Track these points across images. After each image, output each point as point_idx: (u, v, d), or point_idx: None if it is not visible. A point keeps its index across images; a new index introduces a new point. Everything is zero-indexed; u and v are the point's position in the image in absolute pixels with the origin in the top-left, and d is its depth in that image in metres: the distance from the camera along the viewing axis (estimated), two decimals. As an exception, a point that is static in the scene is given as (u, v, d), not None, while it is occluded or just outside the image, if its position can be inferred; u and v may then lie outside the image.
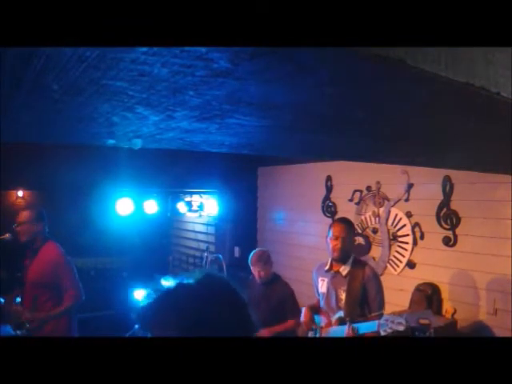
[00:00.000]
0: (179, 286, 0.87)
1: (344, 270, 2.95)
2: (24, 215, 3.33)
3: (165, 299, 0.85)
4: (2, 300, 3.43)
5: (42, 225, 3.34)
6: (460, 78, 0.66)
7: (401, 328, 2.46)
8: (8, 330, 3.19)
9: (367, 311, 2.87)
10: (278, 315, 3.55)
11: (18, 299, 3.40)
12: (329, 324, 2.98)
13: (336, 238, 2.94)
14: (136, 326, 0.86)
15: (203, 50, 0.53)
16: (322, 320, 3.07)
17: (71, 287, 3.29)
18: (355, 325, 2.69)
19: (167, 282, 0.88)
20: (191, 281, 0.87)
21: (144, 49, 0.53)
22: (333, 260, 3.02)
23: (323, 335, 2.95)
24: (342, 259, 2.97)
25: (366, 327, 2.67)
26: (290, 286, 3.72)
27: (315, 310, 3.15)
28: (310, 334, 3.03)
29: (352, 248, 3.02)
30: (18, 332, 3.18)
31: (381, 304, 2.89)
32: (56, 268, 3.26)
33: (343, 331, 2.73)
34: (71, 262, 3.40)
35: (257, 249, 3.88)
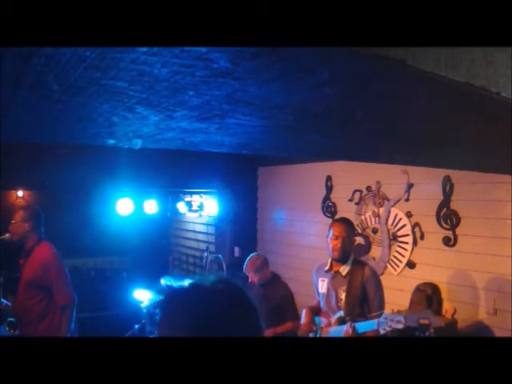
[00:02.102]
0: (194, 287, 0.87)
1: (344, 270, 2.95)
2: (16, 215, 3.35)
3: (179, 298, 0.86)
4: (4, 301, 3.43)
5: (31, 224, 3.34)
6: (460, 78, 0.66)
7: (400, 326, 2.45)
8: (3, 331, 3.20)
9: (367, 311, 2.87)
10: (277, 316, 3.55)
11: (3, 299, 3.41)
12: (329, 324, 2.98)
13: (336, 238, 2.94)
14: (136, 326, 0.86)
15: (203, 49, 0.53)
16: (322, 321, 3.07)
17: (62, 288, 3.28)
18: (354, 324, 2.69)
19: (180, 281, 0.88)
20: (206, 283, 0.88)
21: (144, 49, 0.53)
22: (333, 260, 3.03)
23: (323, 336, 2.95)
24: (341, 259, 2.97)
25: (365, 326, 2.67)
26: (289, 287, 3.72)
27: (315, 311, 3.15)
28: (311, 335, 3.03)
29: (352, 248, 3.02)
30: (12, 331, 3.19)
31: (380, 304, 2.89)
32: (48, 269, 3.26)
33: (342, 331, 2.73)
34: (63, 263, 3.39)
35: (252, 254, 3.84)
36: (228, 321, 0.83)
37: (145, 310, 4.08)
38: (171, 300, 0.86)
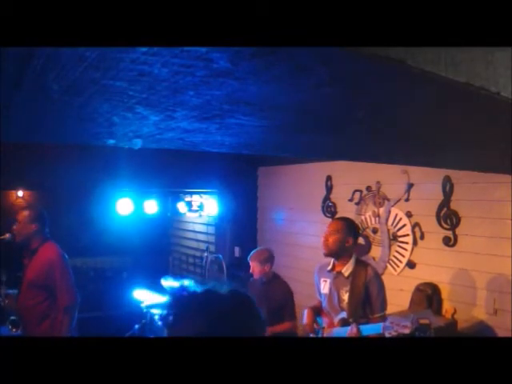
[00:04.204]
0: (208, 293, 0.88)
1: (346, 270, 2.93)
2: (20, 215, 3.33)
3: (194, 303, 0.87)
4: (10, 291, 3.44)
5: (37, 226, 3.32)
6: (460, 78, 0.66)
7: (406, 331, 2.41)
8: (5, 331, 3.20)
9: (369, 312, 2.86)
10: (277, 315, 3.55)
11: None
12: (331, 325, 2.97)
13: (325, 234, 2.94)
14: (136, 326, 0.85)
15: (203, 50, 0.53)
16: (323, 321, 3.07)
17: (66, 289, 3.29)
18: (359, 327, 2.68)
19: (194, 286, 0.89)
20: (221, 291, 0.89)
21: (144, 49, 0.53)
22: (324, 256, 3.01)
23: (325, 336, 2.94)
24: (331, 255, 2.94)
25: (370, 329, 2.65)
26: (289, 286, 3.73)
27: (317, 311, 3.14)
28: (312, 335, 3.02)
29: (348, 247, 2.96)
30: (15, 330, 3.19)
31: (383, 305, 2.88)
32: (53, 269, 3.26)
33: (346, 332, 2.72)
34: (69, 263, 3.39)
35: (262, 247, 3.93)
36: (237, 330, 0.84)
37: (145, 310, 4.08)
38: (186, 304, 0.87)
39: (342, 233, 2.94)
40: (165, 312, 0.87)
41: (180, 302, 0.88)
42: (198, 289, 0.89)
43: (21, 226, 3.30)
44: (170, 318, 0.86)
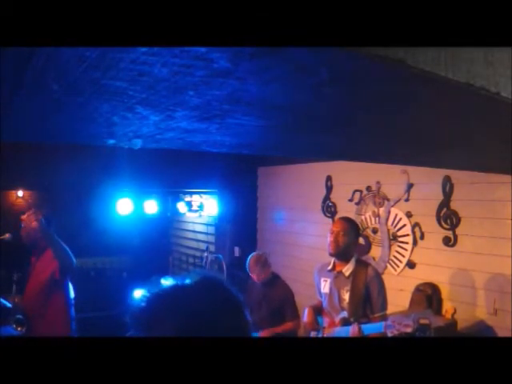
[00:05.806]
0: (175, 287, 0.86)
1: (347, 270, 2.94)
2: (26, 219, 3.33)
3: (160, 300, 0.84)
4: (7, 303, 3.45)
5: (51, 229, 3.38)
6: (460, 78, 0.66)
7: (408, 330, 2.41)
8: (9, 330, 3.21)
9: (370, 312, 2.86)
10: (278, 316, 3.55)
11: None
12: (332, 324, 2.97)
13: (332, 233, 2.95)
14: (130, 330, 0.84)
15: (203, 50, 0.53)
16: (324, 321, 3.07)
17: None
18: (361, 326, 2.68)
19: (165, 283, 0.87)
20: (187, 282, 0.87)
21: (144, 49, 0.53)
22: (330, 256, 3.01)
23: (326, 336, 2.94)
24: (338, 255, 2.96)
25: (371, 328, 2.65)
26: (289, 287, 3.73)
27: (318, 310, 3.14)
28: (313, 335, 3.02)
29: (352, 247, 3.00)
30: (20, 329, 3.20)
31: (383, 305, 2.88)
32: None
33: (347, 332, 2.72)
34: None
35: (253, 253, 3.87)
36: (212, 316, 0.82)
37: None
38: (154, 304, 0.84)
39: (351, 233, 2.98)
40: (133, 317, 0.84)
41: (149, 304, 0.83)
42: (165, 286, 0.86)
43: (28, 228, 3.33)
44: (139, 323, 0.84)
